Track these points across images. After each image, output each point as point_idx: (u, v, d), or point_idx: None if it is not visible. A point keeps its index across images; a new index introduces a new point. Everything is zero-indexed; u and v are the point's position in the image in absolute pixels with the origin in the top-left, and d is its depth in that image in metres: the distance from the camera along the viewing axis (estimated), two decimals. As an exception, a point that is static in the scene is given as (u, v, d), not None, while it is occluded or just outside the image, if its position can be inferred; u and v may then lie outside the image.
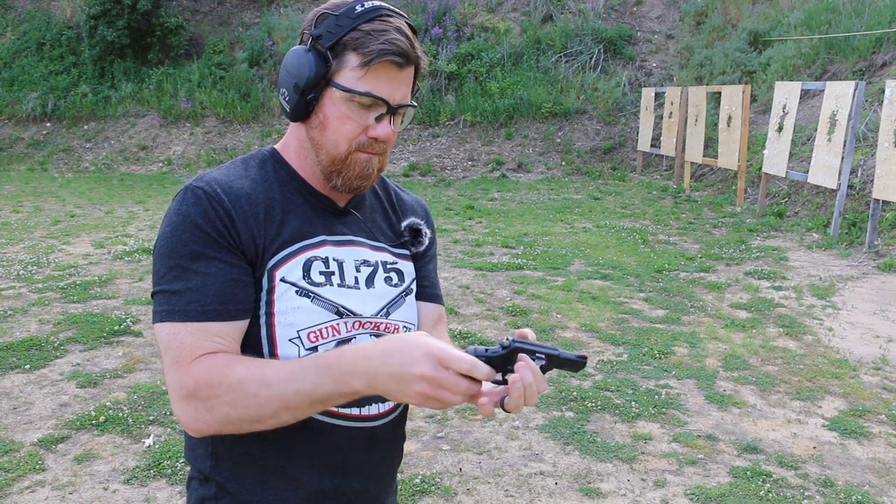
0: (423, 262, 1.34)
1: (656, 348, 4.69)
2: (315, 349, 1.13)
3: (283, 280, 1.12)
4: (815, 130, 8.46)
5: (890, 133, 6.90)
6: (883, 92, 7.48)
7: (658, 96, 12.85)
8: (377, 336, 1.20)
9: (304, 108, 1.14)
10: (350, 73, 1.10)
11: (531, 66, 14.54)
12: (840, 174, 7.54)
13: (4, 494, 3.00)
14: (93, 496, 3.00)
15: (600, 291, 6.00)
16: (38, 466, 3.21)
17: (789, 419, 3.77)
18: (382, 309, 1.22)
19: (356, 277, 1.20)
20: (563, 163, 13.39)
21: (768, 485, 3.13)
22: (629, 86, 14.26)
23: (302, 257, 1.15)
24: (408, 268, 1.29)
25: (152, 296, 1.10)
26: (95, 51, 15.12)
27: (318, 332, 1.13)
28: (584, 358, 0.97)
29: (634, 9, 15.61)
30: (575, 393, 4.01)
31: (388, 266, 1.26)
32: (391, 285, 1.24)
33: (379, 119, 1.12)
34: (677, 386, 4.16)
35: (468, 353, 0.93)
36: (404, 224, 1.31)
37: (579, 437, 3.54)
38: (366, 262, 1.22)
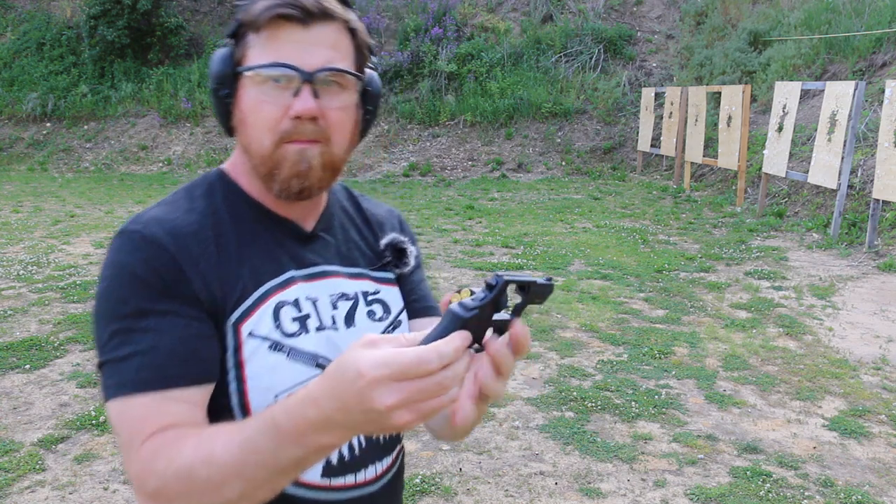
0: (411, 278, 1.16)
1: (656, 348, 4.69)
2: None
3: (251, 335, 0.93)
4: (815, 130, 8.46)
5: (890, 133, 6.90)
6: (883, 92, 7.48)
7: (658, 96, 12.85)
8: None
9: (223, 110, 0.98)
10: (252, 51, 0.93)
11: (531, 66, 14.54)
12: (840, 174, 7.54)
13: (4, 494, 3.00)
14: (93, 496, 3.00)
15: (600, 291, 6.00)
16: (38, 466, 3.22)
17: (789, 419, 3.77)
18: None
19: (333, 316, 1.02)
20: (563, 163, 13.39)
21: (768, 485, 3.13)
22: (629, 86, 14.26)
23: (270, 304, 0.96)
24: (393, 296, 1.10)
25: (98, 368, 0.90)
26: (95, 51, 15.12)
27: None
28: (550, 279, 0.80)
29: (634, 9, 15.61)
30: (575, 393, 4.01)
31: (370, 297, 1.07)
32: (375, 320, 1.06)
33: (296, 92, 0.92)
34: (677, 386, 4.16)
35: (453, 311, 0.70)
36: (384, 242, 1.13)
37: (579, 437, 3.54)
38: (343, 296, 1.04)
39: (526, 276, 0.78)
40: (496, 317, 0.74)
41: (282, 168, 0.94)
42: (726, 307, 5.63)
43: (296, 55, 0.91)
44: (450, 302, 0.73)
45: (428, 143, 13.92)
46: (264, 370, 0.93)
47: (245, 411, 0.93)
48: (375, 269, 1.10)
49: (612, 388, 4.09)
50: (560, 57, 14.63)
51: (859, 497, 3.04)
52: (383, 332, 1.04)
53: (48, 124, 14.78)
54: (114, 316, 0.89)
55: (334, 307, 1.02)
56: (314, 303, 1.00)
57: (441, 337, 0.68)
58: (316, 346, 0.97)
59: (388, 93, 14.52)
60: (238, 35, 0.95)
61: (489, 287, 0.74)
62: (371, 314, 1.06)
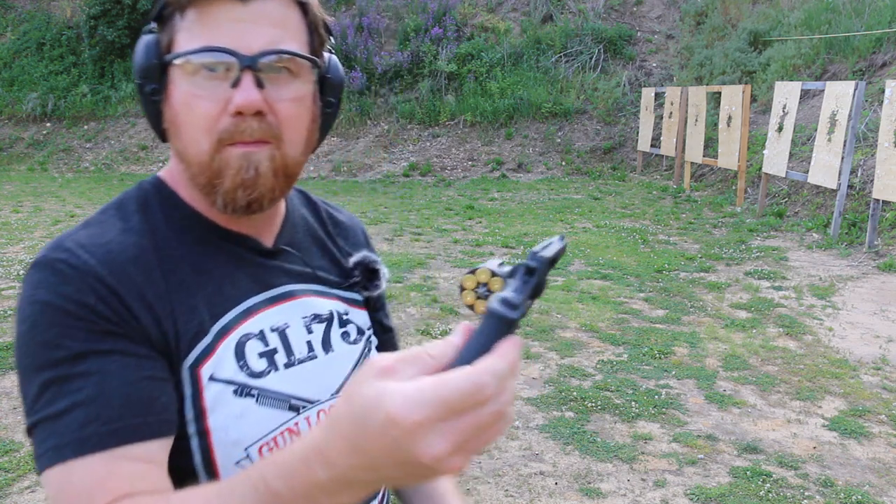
0: (378, 300, 1.02)
1: (656, 348, 4.69)
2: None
3: (213, 379, 0.78)
4: (815, 130, 8.46)
5: (890, 133, 6.90)
6: (883, 92, 7.48)
7: (658, 96, 12.85)
8: None
9: (152, 110, 0.81)
10: (181, 35, 0.77)
11: (531, 66, 14.55)
12: (840, 174, 7.54)
13: (4, 494, 3.01)
14: (93, 496, 3.00)
15: (600, 291, 6.00)
16: (37, 466, 3.22)
17: (789, 419, 3.77)
18: (349, 376, 0.90)
19: (309, 342, 0.87)
20: (563, 163, 13.39)
21: (768, 485, 3.13)
22: (629, 86, 14.26)
23: (231, 339, 0.80)
24: (362, 318, 0.96)
25: (28, 433, 0.72)
26: (95, 51, 15.12)
27: (271, 444, 0.80)
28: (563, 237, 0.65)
29: (634, 9, 15.62)
30: (575, 393, 4.01)
31: (343, 317, 0.93)
32: (350, 342, 0.92)
33: (236, 82, 0.75)
34: (677, 386, 4.16)
35: (498, 311, 0.53)
36: (354, 261, 0.98)
37: (579, 437, 3.54)
38: (316, 317, 0.90)
39: (551, 244, 0.62)
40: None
41: (224, 177, 0.78)
42: (726, 307, 5.63)
43: (232, 36, 0.75)
44: (471, 306, 0.58)
45: (428, 143, 13.92)
46: (231, 420, 0.77)
47: (211, 472, 0.77)
48: (344, 288, 0.95)
49: (612, 388, 4.09)
50: (560, 57, 14.63)
51: (859, 497, 3.04)
52: (360, 358, 0.92)
53: (48, 124, 14.79)
54: (43, 364, 0.71)
55: (309, 331, 0.88)
56: (283, 333, 0.85)
57: (486, 348, 0.52)
58: (288, 386, 0.82)
59: (389, 93, 14.53)
60: (163, 17, 0.79)
61: (529, 272, 0.57)
62: (345, 336, 0.92)
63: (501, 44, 14.84)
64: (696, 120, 10.74)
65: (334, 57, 0.88)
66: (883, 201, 7.12)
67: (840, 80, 9.95)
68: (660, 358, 4.57)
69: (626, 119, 13.92)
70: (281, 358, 0.84)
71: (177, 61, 0.77)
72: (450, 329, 4.88)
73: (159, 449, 0.72)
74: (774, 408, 3.90)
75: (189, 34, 0.76)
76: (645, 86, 13.86)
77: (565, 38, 14.81)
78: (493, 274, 0.58)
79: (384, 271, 1.00)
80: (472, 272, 0.58)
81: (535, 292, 0.57)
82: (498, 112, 13.94)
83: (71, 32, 15.78)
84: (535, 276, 0.56)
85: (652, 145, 12.54)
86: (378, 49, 14.68)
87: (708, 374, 4.33)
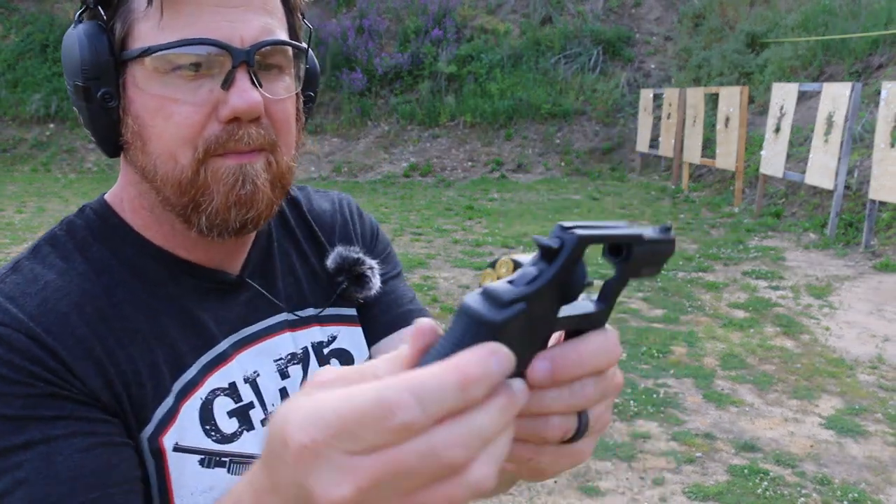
0: (386, 290, 0.85)
1: (655, 347, 4.74)
2: None
3: (177, 448, 0.66)
4: (812, 131, 8.51)
5: (886, 134, 6.96)
6: (879, 93, 7.53)
7: (656, 97, 12.90)
8: None
9: (103, 119, 0.65)
10: (144, 25, 0.63)
11: (530, 68, 14.59)
12: (837, 175, 7.59)
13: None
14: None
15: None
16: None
17: (786, 418, 3.82)
18: None
19: (283, 389, 0.75)
20: (563, 163, 13.44)
21: (766, 483, 3.18)
22: (628, 87, 14.31)
23: (195, 399, 0.68)
24: (354, 338, 0.81)
25: None
26: (96, 52, 15.17)
27: None
28: (669, 227, 0.46)
29: (633, 11, 15.66)
30: (575, 392, 4.06)
31: (325, 349, 0.79)
32: None
33: (228, 81, 0.62)
34: (675, 385, 4.21)
35: (469, 308, 0.36)
36: (329, 264, 0.81)
37: (579, 435, 3.58)
38: (292, 358, 0.77)
39: (617, 226, 0.43)
40: (565, 311, 0.40)
41: (212, 195, 0.64)
42: (724, 307, 5.68)
43: (219, 25, 0.61)
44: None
45: (428, 144, 13.97)
46: (199, 493, 0.66)
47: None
48: (328, 306, 0.80)
49: (612, 387, 4.14)
50: (559, 58, 14.68)
51: (855, 495, 3.08)
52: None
53: (51, 125, 14.82)
54: None
55: (284, 376, 0.75)
56: (255, 383, 0.73)
57: (447, 356, 0.34)
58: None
59: (389, 94, 14.57)
60: (109, 2, 0.65)
61: (548, 253, 0.39)
62: None
63: (501, 45, 14.88)
64: (695, 121, 10.79)
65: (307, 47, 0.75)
66: (879, 202, 7.17)
67: (837, 81, 10.00)
68: (658, 357, 4.61)
69: (625, 120, 13.97)
70: (257, 414, 0.71)
71: (146, 59, 0.62)
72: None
73: None
74: (772, 406, 3.95)
75: (158, 23, 0.61)
76: (643, 87, 13.90)
77: (564, 40, 14.85)
78: (517, 265, 0.42)
79: (369, 261, 0.82)
80: (493, 265, 0.43)
81: (561, 288, 0.38)
82: (497, 113, 13.98)
83: (72, 34, 15.81)
84: (557, 262, 0.38)
85: (650, 146, 12.58)
86: (378, 51, 14.72)
87: (706, 373, 4.38)
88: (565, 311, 0.40)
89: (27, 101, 14.72)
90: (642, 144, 12.82)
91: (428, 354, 0.36)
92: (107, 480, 0.59)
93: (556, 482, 3.16)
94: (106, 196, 0.74)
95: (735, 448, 3.49)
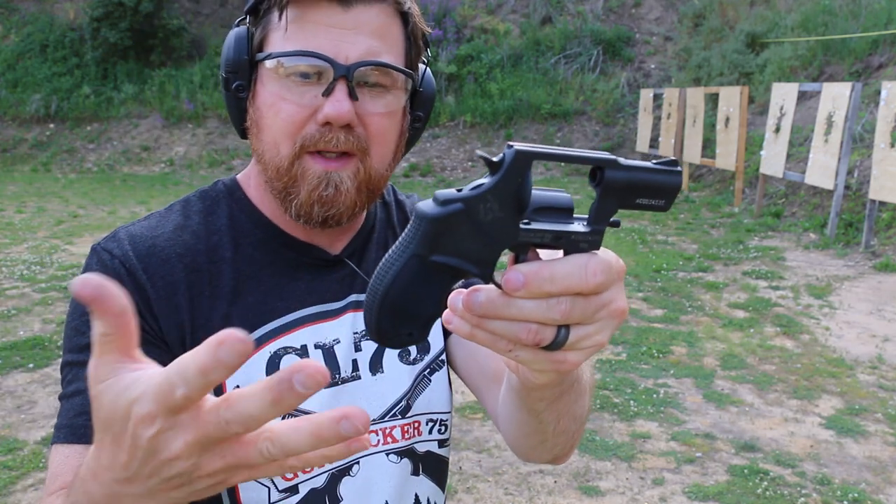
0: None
1: (655, 348, 4.74)
2: (294, 489, 0.77)
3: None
4: (812, 131, 8.51)
5: (886, 134, 6.95)
6: (879, 93, 7.52)
7: (656, 97, 12.90)
8: (395, 454, 0.83)
9: (236, 106, 0.79)
10: (275, 35, 0.75)
11: (530, 68, 14.59)
12: (837, 175, 7.59)
13: (8, 492, 3.05)
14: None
15: (599, 292, 6.04)
16: (41, 465, 3.26)
17: (786, 418, 3.81)
18: (398, 403, 0.84)
19: (354, 361, 0.82)
20: (563, 163, 13.44)
21: (765, 483, 3.18)
22: (628, 87, 14.31)
23: (264, 352, 0.77)
24: (435, 328, 0.86)
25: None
26: (98, 52, 15.18)
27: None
28: (674, 162, 0.48)
29: (633, 11, 15.67)
30: (574, 392, 4.05)
31: None
32: (408, 363, 0.86)
33: (328, 91, 0.72)
34: (675, 385, 4.21)
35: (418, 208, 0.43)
36: None
37: (579, 435, 3.58)
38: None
39: (573, 150, 0.47)
40: (543, 225, 0.44)
41: (300, 188, 0.75)
42: (724, 307, 5.67)
43: (330, 43, 0.72)
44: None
45: (428, 144, 13.97)
46: None
47: (233, 497, 0.75)
48: None
49: (611, 387, 4.14)
50: (559, 58, 14.68)
51: (855, 495, 3.08)
52: (418, 378, 0.85)
53: (51, 125, 14.83)
54: (69, 347, 0.76)
55: (356, 348, 0.82)
56: (330, 350, 0.80)
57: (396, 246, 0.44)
58: (324, 409, 0.66)
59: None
60: (258, 11, 0.77)
61: (492, 166, 0.43)
62: (404, 355, 0.85)
63: (501, 45, 14.89)
64: (695, 121, 10.79)
65: (428, 69, 0.85)
66: (879, 202, 7.17)
67: (837, 81, 10.00)
68: (658, 357, 4.61)
69: (625, 120, 13.97)
70: None
71: (268, 62, 0.74)
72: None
73: None
74: (772, 406, 3.95)
75: (284, 34, 0.73)
76: (643, 87, 13.90)
77: (564, 40, 14.86)
78: None
79: None
80: None
81: (511, 198, 0.41)
82: (497, 113, 13.98)
83: (74, 34, 15.82)
84: (499, 173, 0.42)
85: (650, 146, 12.58)
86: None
87: (706, 373, 4.37)
88: (544, 225, 0.44)
89: (27, 101, 14.73)
90: (642, 144, 12.81)
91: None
92: None
93: (556, 482, 3.16)
94: (238, 175, 0.88)
95: (735, 448, 3.48)
